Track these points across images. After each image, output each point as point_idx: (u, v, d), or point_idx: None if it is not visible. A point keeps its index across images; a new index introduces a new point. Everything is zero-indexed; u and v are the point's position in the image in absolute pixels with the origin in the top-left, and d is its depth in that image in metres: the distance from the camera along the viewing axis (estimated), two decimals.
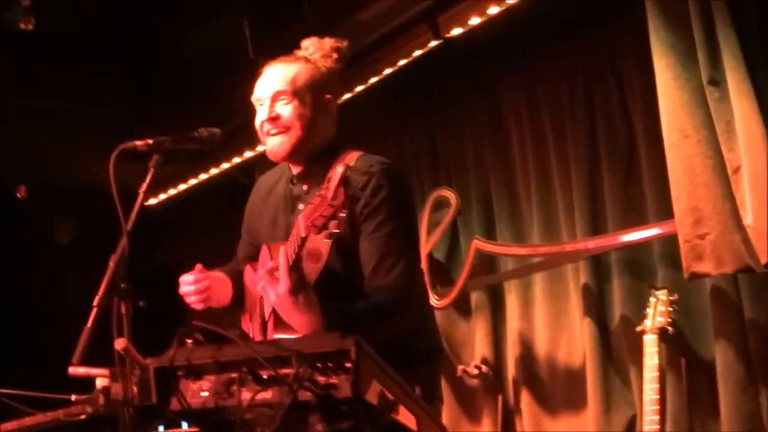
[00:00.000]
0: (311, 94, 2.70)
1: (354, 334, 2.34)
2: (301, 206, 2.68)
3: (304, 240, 2.34)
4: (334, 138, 2.77)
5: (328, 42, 2.80)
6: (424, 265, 4.98)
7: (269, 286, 2.44)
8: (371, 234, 2.58)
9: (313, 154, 2.72)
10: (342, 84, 2.86)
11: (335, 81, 2.78)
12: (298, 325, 2.45)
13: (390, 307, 2.56)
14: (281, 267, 2.41)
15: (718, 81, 3.58)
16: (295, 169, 2.77)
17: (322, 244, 2.56)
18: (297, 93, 2.69)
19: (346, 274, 2.63)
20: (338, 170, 2.26)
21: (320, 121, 2.72)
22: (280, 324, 2.49)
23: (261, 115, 2.73)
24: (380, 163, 2.67)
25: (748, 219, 3.51)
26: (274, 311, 2.51)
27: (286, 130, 2.67)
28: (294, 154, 2.71)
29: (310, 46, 2.80)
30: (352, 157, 2.69)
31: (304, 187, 2.74)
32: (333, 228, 2.24)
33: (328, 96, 2.74)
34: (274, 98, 2.70)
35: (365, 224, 2.59)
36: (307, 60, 2.76)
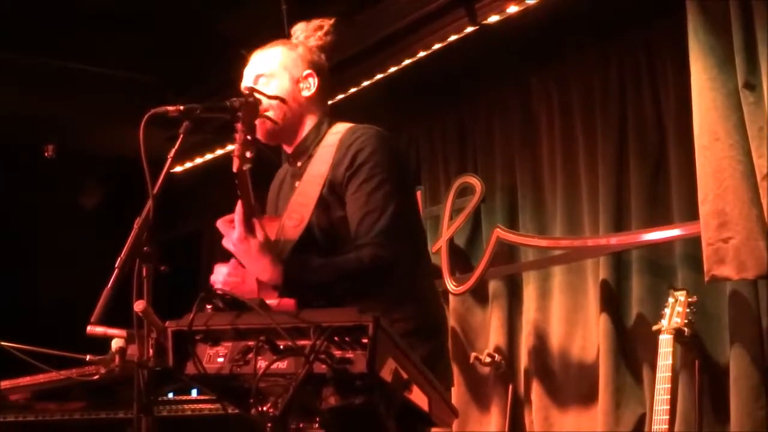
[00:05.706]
0: (290, 73, 2.70)
1: (315, 284, 2.40)
2: (297, 184, 2.69)
3: (241, 178, 2.41)
4: (323, 113, 2.75)
5: (314, 22, 2.80)
6: (444, 250, 5.00)
7: (227, 235, 2.48)
8: (353, 195, 2.55)
9: (301, 132, 2.71)
10: (326, 60, 2.80)
11: (317, 57, 2.76)
12: (256, 269, 2.46)
13: (362, 263, 2.45)
14: (236, 215, 2.46)
15: (754, 85, 3.56)
16: (289, 149, 2.76)
17: (303, 209, 2.58)
18: (275, 74, 2.69)
19: (326, 242, 2.59)
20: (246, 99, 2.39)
21: (301, 99, 2.70)
22: (263, 289, 2.48)
23: None
24: (362, 129, 2.65)
25: None
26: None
27: (265, 112, 2.64)
28: (276, 136, 2.70)
29: (297, 30, 2.81)
30: (341, 128, 2.68)
31: (299, 164, 2.73)
32: (249, 155, 2.37)
33: (309, 73, 2.72)
34: (254, 82, 2.71)
35: (348, 188, 2.56)
36: (288, 42, 2.77)
